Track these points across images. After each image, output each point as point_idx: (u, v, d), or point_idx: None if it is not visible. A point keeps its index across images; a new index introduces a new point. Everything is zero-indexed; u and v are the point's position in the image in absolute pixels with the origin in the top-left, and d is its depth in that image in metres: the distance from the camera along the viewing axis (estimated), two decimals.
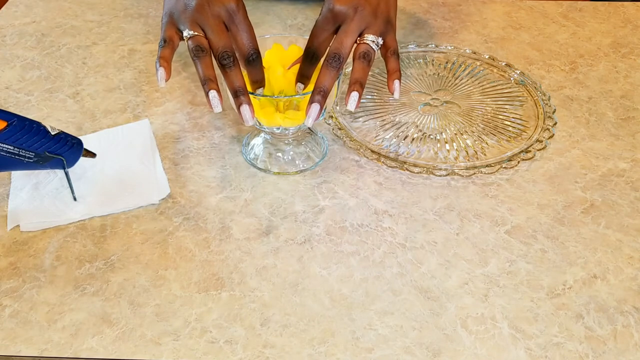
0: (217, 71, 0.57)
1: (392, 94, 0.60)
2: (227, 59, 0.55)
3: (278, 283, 0.53)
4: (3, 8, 0.90)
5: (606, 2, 0.92)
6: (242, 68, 0.58)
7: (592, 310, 0.51)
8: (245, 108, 0.55)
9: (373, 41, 0.58)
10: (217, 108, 0.55)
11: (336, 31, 0.58)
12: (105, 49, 0.81)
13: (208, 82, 0.55)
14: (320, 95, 0.56)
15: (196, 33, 0.56)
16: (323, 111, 0.59)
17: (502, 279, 0.53)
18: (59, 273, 0.54)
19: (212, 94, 0.55)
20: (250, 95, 0.56)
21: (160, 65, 0.55)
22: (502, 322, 0.50)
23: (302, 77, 0.60)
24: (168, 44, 0.57)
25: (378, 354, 0.48)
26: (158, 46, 0.58)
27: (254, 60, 0.57)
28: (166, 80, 0.56)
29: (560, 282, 0.53)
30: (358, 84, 0.57)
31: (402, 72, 0.75)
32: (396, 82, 0.60)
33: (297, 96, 0.57)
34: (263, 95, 0.59)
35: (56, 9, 0.90)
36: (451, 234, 0.57)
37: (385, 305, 0.51)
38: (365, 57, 0.58)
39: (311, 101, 0.56)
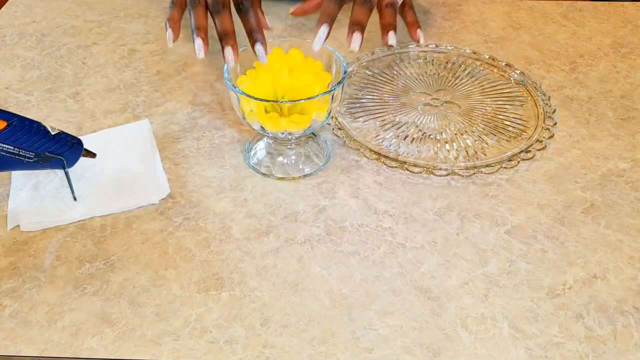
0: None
1: (417, 40, 0.68)
2: (215, 6, 0.59)
3: (278, 283, 0.53)
4: (3, 8, 0.90)
5: (606, 2, 0.92)
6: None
7: (592, 310, 0.51)
8: (227, 50, 0.57)
9: None
10: (200, 54, 0.59)
11: None
12: (105, 49, 0.81)
13: (197, 30, 0.59)
14: (358, 27, 0.60)
15: None
16: (328, 116, 0.59)
17: (502, 279, 0.53)
18: (59, 273, 0.54)
19: (197, 42, 0.58)
20: (255, 101, 0.56)
21: (169, 26, 0.60)
22: (502, 322, 0.50)
23: (327, 18, 0.61)
24: (176, 5, 0.62)
25: (378, 354, 0.48)
26: (169, 8, 0.63)
27: (243, 6, 0.59)
28: (174, 41, 0.60)
29: (560, 282, 0.53)
30: (392, 27, 0.63)
31: (402, 72, 0.76)
32: (418, 30, 0.68)
33: (301, 100, 0.57)
34: (267, 101, 0.59)
35: (56, 9, 0.90)
36: (451, 234, 0.57)
37: (385, 305, 0.51)
38: (392, 6, 0.64)
39: (351, 32, 0.60)
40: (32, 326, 0.50)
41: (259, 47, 0.57)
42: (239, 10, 0.59)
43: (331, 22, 0.60)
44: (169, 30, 0.60)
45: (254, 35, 0.58)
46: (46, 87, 0.75)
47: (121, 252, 0.55)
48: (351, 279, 0.53)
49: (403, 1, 0.66)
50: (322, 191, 0.61)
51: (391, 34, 0.62)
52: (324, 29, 0.59)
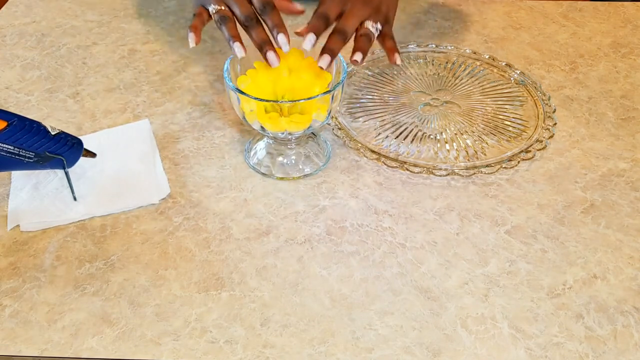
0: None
1: (395, 63, 0.68)
2: (249, 21, 0.61)
3: (278, 283, 0.53)
4: (3, 8, 0.90)
5: (606, 2, 0.92)
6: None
7: (592, 310, 0.51)
8: (270, 54, 0.60)
9: (373, 26, 0.64)
10: (240, 53, 0.61)
11: (339, 15, 0.63)
12: (105, 49, 0.81)
13: (232, 38, 0.61)
14: (329, 52, 0.60)
15: (220, 7, 0.62)
16: (328, 116, 0.59)
17: (502, 279, 0.53)
18: (59, 273, 0.54)
19: (236, 44, 0.61)
20: (255, 101, 0.56)
21: (190, 31, 0.63)
22: (502, 322, 0.50)
23: (313, 29, 0.62)
24: (198, 16, 0.64)
25: (378, 354, 0.48)
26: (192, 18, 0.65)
27: (265, 8, 0.61)
28: (196, 44, 0.63)
29: (560, 282, 0.53)
30: (361, 50, 0.63)
31: (402, 72, 0.76)
32: (396, 54, 0.68)
33: (301, 100, 0.57)
34: (267, 100, 0.59)
35: (56, 9, 0.90)
36: (451, 234, 0.57)
37: (385, 305, 0.51)
38: (367, 36, 0.64)
39: (321, 54, 0.60)
40: (32, 326, 0.50)
41: (281, 37, 0.60)
42: (247, 28, 0.62)
43: (317, 34, 0.62)
44: (191, 34, 0.63)
45: (276, 29, 0.61)
46: (46, 87, 0.75)
47: (121, 252, 0.55)
48: (351, 279, 0.53)
49: (382, 32, 0.66)
50: (322, 191, 0.61)
51: (358, 54, 0.63)
52: (311, 37, 0.60)
